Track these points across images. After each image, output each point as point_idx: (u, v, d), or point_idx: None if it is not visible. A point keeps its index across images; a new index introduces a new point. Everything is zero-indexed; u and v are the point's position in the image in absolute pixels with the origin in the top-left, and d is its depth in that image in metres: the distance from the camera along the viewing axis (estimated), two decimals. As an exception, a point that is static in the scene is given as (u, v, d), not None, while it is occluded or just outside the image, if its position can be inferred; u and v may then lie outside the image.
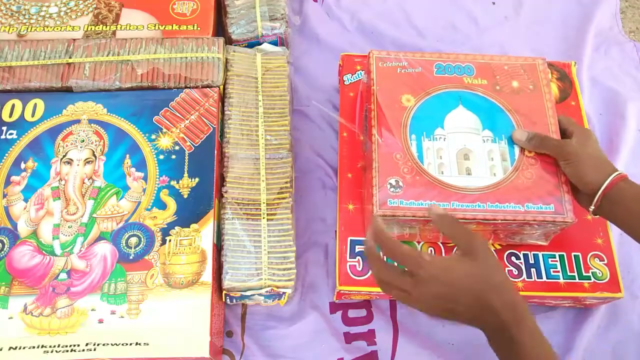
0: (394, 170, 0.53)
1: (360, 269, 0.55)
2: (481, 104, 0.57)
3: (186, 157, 0.58)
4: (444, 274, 0.42)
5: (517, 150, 0.55)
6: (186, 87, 0.62)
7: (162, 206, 0.56)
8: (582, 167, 0.51)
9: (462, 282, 0.42)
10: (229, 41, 0.69)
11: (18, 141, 0.59)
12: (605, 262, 0.57)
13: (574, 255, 0.57)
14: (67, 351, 0.49)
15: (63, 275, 0.53)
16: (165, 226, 0.55)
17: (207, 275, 0.53)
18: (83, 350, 0.50)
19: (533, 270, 0.56)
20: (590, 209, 0.52)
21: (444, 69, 0.58)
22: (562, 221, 0.51)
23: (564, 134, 0.55)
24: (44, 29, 0.66)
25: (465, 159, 0.54)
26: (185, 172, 0.58)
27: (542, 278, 0.56)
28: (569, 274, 0.56)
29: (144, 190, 0.57)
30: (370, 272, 0.55)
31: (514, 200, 0.52)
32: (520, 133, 0.55)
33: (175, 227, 0.55)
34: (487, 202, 0.52)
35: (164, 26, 0.67)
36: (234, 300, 0.58)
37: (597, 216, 0.52)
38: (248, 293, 0.55)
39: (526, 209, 0.52)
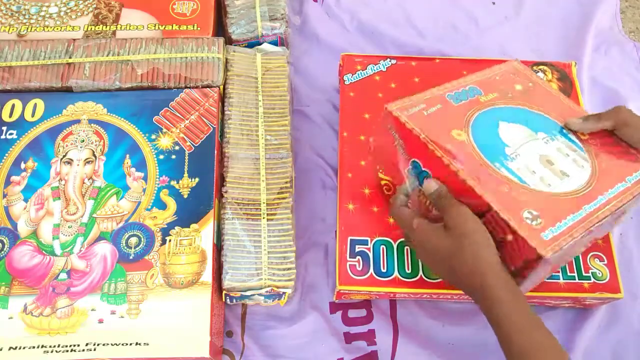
0: (515, 204, 0.47)
1: (360, 269, 0.55)
2: (512, 113, 0.55)
3: (186, 157, 0.58)
4: (425, 243, 0.48)
5: (574, 137, 0.54)
6: (186, 87, 0.62)
7: (162, 206, 0.56)
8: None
9: (436, 253, 0.47)
10: (229, 41, 0.69)
11: (18, 141, 0.59)
12: (605, 262, 0.57)
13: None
14: (67, 351, 0.49)
15: (63, 275, 0.53)
16: (165, 226, 0.55)
17: (207, 275, 0.53)
18: (83, 350, 0.50)
19: (533, 270, 0.56)
20: None
21: (459, 97, 0.55)
22: None
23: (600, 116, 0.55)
24: (44, 29, 0.66)
25: (551, 163, 0.51)
26: (185, 172, 0.58)
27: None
28: (568, 274, 0.56)
29: (144, 190, 0.57)
30: (370, 272, 0.55)
31: (617, 180, 0.50)
32: (574, 119, 0.54)
33: (175, 227, 0.55)
34: (604, 193, 0.49)
35: (164, 26, 0.67)
36: (234, 300, 0.58)
37: None
38: (248, 293, 0.55)
39: (630, 182, 0.50)
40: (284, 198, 0.58)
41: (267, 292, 0.55)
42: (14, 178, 0.57)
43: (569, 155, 0.52)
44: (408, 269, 0.55)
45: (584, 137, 0.54)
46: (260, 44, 0.69)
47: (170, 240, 0.54)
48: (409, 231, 0.50)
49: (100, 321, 0.51)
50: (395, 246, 0.56)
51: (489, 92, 0.56)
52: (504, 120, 0.54)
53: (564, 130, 0.54)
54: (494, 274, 0.44)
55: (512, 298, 0.44)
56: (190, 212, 0.56)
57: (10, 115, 0.60)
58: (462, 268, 0.45)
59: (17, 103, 0.61)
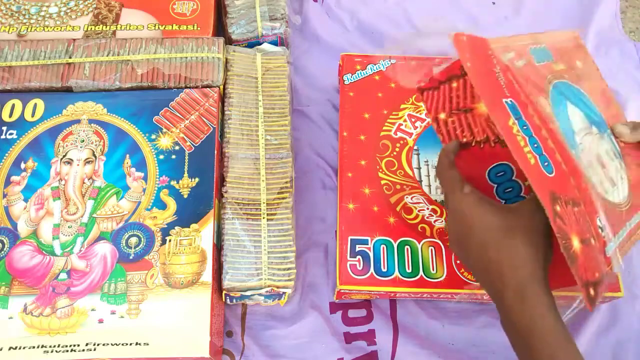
0: (594, 205, 0.39)
1: (360, 269, 0.55)
2: (576, 95, 0.47)
3: (186, 157, 0.58)
4: (469, 217, 0.42)
5: (616, 142, 0.48)
6: (186, 87, 0.62)
7: (162, 206, 0.56)
8: None
9: (480, 232, 0.41)
10: (229, 41, 0.69)
11: (18, 141, 0.59)
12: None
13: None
14: (67, 351, 0.49)
15: (63, 275, 0.53)
16: (165, 226, 0.55)
17: (207, 275, 0.53)
18: (83, 350, 0.50)
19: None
20: None
21: (538, 56, 0.46)
22: None
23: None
24: (44, 29, 0.66)
25: (603, 167, 0.44)
26: (185, 172, 0.58)
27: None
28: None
29: (144, 190, 0.57)
30: (370, 272, 0.55)
31: None
32: (622, 127, 0.49)
33: (175, 227, 0.55)
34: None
35: (164, 26, 0.67)
36: (234, 300, 0.58)
37: None
38: (248, 293, 0.55)
39: None
40: (284, 198, 0.58)
41: (267, 292, 0.55)
42: (14, 178, 0.57)
43: (613, 160, 0.46)
44: (408, 269, 0.55)
45: (621, 145, 0.49)
46: (260, 44, 0.69)
47: (170, 240, 0.54)
48: (454, 198, 0.43)
49: (100, 321, 0.51)
50: (395, 246, 0.56)
51: (557, 60, 0.48)
52: (570, 100, 0.46)
53: (609, 131, 0.48)
54: (542, 281, 0.39)
55: (554, 314, 0.39)
56: (190, 212, 0.56)
57: (10, 115, 0.60)
58: (508, 260, 0.39)
59: (17, 103, 0.61)
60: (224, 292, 0.54)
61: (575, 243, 0.36)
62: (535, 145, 0.38)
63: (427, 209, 0.58)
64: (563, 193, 0.37)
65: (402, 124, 0.63)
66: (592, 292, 0.37)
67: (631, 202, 0.44)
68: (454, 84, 0.45)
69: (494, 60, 0.41)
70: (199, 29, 0.67)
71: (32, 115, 0.60)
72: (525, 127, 0.38)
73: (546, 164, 0.38)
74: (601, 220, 0.39)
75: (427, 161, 0.61)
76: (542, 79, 0.44)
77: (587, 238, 0.37)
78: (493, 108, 0.38)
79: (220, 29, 0.72)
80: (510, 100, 0.39)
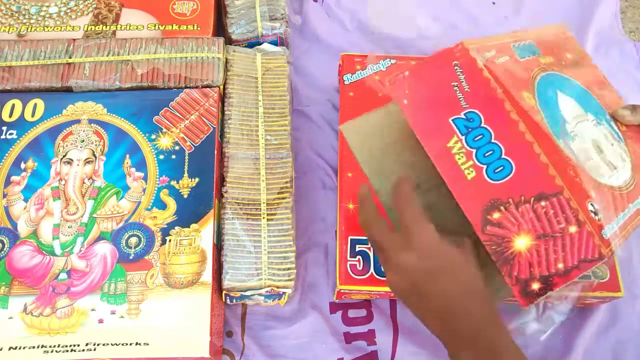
0: (581, 193, 0.40)
1: (360, 268, 0.55)
2: (567, 84, 0.48)
3: (186, 157, 0.58)
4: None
5: (616, 126, 0.49)
6: (186, 87, 0.62)
7: (162, 206, 0.56)
8: None
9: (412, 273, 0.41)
10: (229, 41, 0.69)
11: (18, 141, 0.59)
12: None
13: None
14: (67, 351, 0.49)
15: (63, 275, 0.53)
16: (165, 226, 0.55)
17: (207, 275, 0.53)
18: (83, 350, 0.50)
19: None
20: None
21: (523, 51, 0.47)
22: None
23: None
24: (44, 29, 0.66)
25: (601, 151, 0.45)
26: (185, 172, 0.58)
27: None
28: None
29: (144, 190, 0.57)
30: (370, 271, 0.55)
31: None
32: (622, 109, 0.49)
33: (175, 227, 0.55)
34: None
35: (164, 26, 0.67)
36: (234, 300, 0.58)
37: None
38: (248, 293, 0.55)
39: None
40: (284, 198, 0.58)
41: (267, 292, 0.55)
42: (14, 178, 0.57)
43: (613, 144, 0.47)
44: (408, 269, 0.55)
45: (622, 129, 0.49)
46: (260, 44, 0.69)
47: (170, 240, 0.54)
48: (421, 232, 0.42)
49: (100, 321, 0.51)
50: (395, 246, 0.56)
51: (545, 53, 0.49)
52: (561, 90, 0.47)
53: (607, 116, 0.49)
54: (494, 319, 0.39)
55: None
56: (190, 212, 0.56)
57: (10, 115, 0.60)
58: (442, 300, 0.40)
59: (17, 103, 0.61)
60: (224, 292, 0.54)
61: (520, 242, 0.39)
62: (489, 153, 0.40)
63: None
64: (520, 193, 0.39)
65: (402, 124, 0.63)
66: (534, 286, 0.39)
67: (635, 183, 0.44)
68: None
69: (458, 71, 0.42)
70: (199, 29, 0.67)
71: (32, 115, 0.60)
72: (478, 137, 0.40)
73: (500, 168, 0.40)
74: (594, 204, 0.39)
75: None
76: (528, 72, 0.45)
77: (553, 232, 0.39)
78: (428, 136, 0.41)
79: (220, 29, 0.72)
80: (466, 114, 0.41)
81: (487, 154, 0.40)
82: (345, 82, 0.66)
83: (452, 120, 0.41)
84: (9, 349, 0.49)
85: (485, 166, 0.40)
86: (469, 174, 0.40)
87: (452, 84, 0.43)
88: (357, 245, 0.57)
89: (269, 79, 0.65)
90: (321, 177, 0.67)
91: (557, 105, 0.45)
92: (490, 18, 0.81)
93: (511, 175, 0.40)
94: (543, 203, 0.39)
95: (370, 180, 0.48)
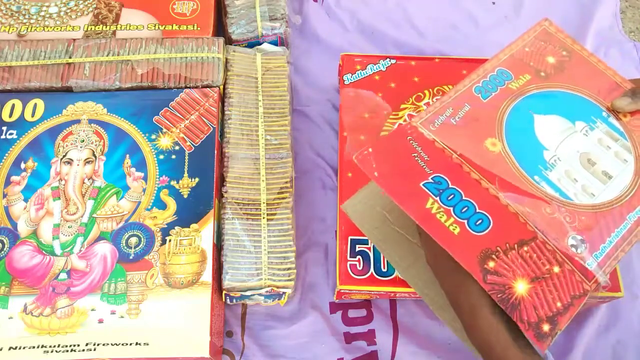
0: (560, 228, 0.41)
1: (360, 268, 0.55)
2: (547, 101, 0.48)
3: (186, 157, 0.58)
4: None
5: (615, 121, 0.48)
6: (186, 87, 0.62)
7: (162, 206, 0.56)
8: None
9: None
10: (229, 41, 0.69)
11: (18, 141, 0.59)
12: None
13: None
14: (67, 351, 0.49)
15: (63, 275, 0.53)
16: (165, 226, 0.55)
17: (207, 275, 0.53)
18: (83, 350, 0.50)
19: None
20: None
21: (487, 88, 0.48)
22: None
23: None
24: (44, 29, 0.66)
25: (592, 164, 0.45)
26: (185, 172, 0.58)
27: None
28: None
29: (144, 190, 0.57)
30: (370, 271, 0.55)
31: None
32: (620, 99, 0.48)
33: (175, 227, 0.55)
34: None
35: (164, 26, 0.67)
36: (234, 300, 0.58)
37: None
38: (248, 293, 0.55)
39: None
40: (284, 198, 0.58)
41: (267, 292, 0.55)
42: (14, 178, 0.57)
43: (610, 147, 0.46)
44: (408, 269, 0.55)
45: (626, 119, 0.48)
46: (260, 44, 0.69)
47: (170, 240, 0.54)
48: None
49: (100, 321, 0.51)
50: (395, 246, 0.56)
51: (519, 74, 0.49)
52: (539, 112, 0.47)
53: (604, 113, 0.48)
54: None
55: None
56: (190, 212, 0.56)
57: (10, 115, 0.60)
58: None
59: (17, 103, 0.61)
60: (224, 292, 0.55)
61: (520, 287, 0.39)
62: (465, 209, 0.41)
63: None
64: (504, 241, 0.41)
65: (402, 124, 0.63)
66: (545, 328, 0.39)
67: (637, 187, 0.44)
68: None
69: (414, 144, 0.44)
70: (199, 29, 0.67)
71: (32, 115, 0.60)
72: (451, 197, 0.42)
73: (479, 221, 0.41)
74: (576, 237, 0.41)
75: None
76: (494, 111, 0.46)
77: (542, 274, 0.40)
78: (407, 201, 0.42)
79: (220, 29, 0.72)
80: (433, 178, 0.43)
81: (463, 210, 0.41)
82: (345, 82, 0.66)
83: (423, 184, 0.42)
84: (9, 349, 0.49)
85: (465, 221, 0.41)
86: (454, 229, 0.41)
87: (412, 154, 0.44)
88: (357, 245, 0.57)
89: (269, 79, 0.65)
90: (321, 177, 0.67)
91: (532, 134, 0.46)
92: (490, 18, 0.81)
93: (491, 227, 0.41)
94: (525, 248, 0.40)
95: (382, 251, 0.51)
